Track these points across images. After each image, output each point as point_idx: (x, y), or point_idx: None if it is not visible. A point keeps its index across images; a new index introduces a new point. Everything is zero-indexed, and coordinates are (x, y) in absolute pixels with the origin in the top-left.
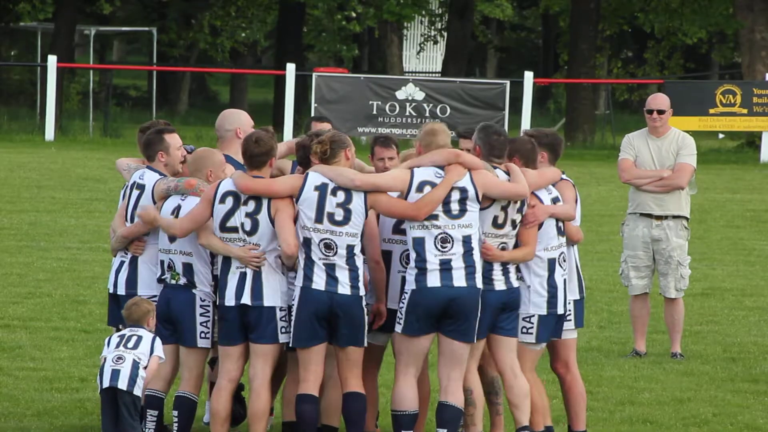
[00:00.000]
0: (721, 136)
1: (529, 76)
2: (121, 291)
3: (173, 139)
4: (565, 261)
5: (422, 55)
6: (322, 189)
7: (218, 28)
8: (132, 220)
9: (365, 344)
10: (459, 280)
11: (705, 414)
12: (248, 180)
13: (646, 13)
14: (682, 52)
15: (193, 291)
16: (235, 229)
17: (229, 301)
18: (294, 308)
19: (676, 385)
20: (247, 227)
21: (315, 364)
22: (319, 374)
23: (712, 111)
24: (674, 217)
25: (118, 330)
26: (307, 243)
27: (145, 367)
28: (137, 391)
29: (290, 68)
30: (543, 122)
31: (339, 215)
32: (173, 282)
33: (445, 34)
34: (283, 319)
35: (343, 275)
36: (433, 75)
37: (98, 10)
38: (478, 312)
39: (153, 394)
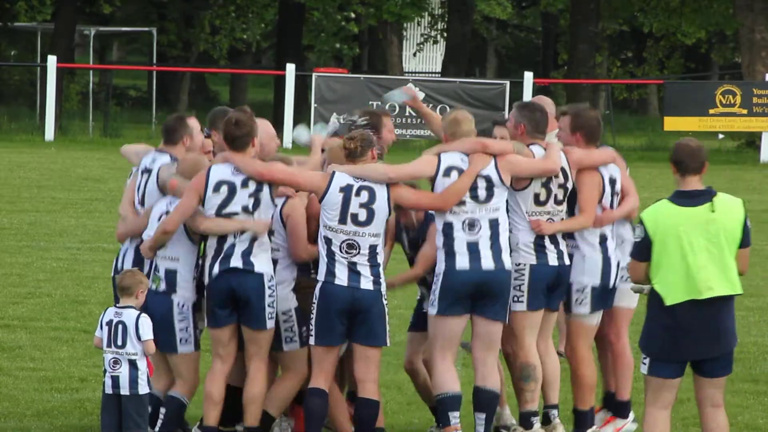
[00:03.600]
0: (721, 136)
1: (528, 76)
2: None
3: (195, 123)
4: (613, 235)
5: (422, 55)
6: (347, 190)
7: (218, 27)
8: (143, 205)
9: (387, 343)
10: (487, 262)
11: None
12: (269, 166)
13: (645, 13)
14: (681, 52)
15: (172, 297)
16: (234, 214)
17: (215, 270)
18: (315, 304)
19: None
20: (250, 208)
21: (329, 362)
22: (331, 372)
23: (712, 111)
24: None
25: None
26: (328, 241)
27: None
28: (141, 390)
29: (290, 68)
30: None
31: (362, 216)
32: (154, 287)
33: (445, 34)
34: (271, 305)
35: (365, 271)
36: (433, 75)
37: (98, 11)
38: (509, 292)
39: (172, 395)
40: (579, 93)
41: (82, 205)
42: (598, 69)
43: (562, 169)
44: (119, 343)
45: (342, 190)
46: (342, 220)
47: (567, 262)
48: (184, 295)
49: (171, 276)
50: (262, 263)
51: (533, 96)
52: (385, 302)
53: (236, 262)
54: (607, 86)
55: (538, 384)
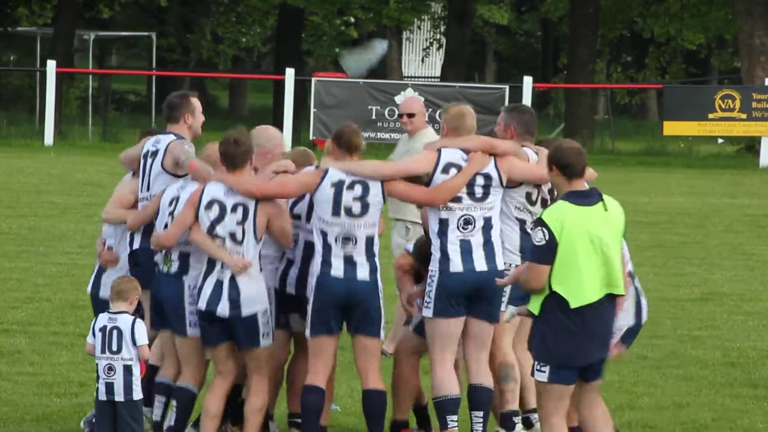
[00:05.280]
0: (720, 140)
1: (528, 81)
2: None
3: (197, 103)
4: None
5: (421, 59)
6: (338, 185)
7: (220, 35)
8: (149, 190)
9: (381, 336)
10: (480, 263)
11: (704, 419)
12: (260, 184)
13: (645, 18)
14: (682, 57)
15: (183, 278)
16: (221, 239)
17: (201, 305)
18: (311, 297)
19: (675, 390)
20: (239, 237)
21: (326, 356)
22: (328, 367)
23: (711, 116)
24: (396, 219)
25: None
26: (324, 234)
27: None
28: (136, 395)
29: (289, 73)
30: (542, 127)
31: (356, 208)
32: (165, 269)
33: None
34: (267, 323)
35: (362, 262)
36: (433, 80)
37: (97, 15)
38: (502, 293)
39: (162, 381)
40: (578, 98)
41: (81, 210)
42: (598, 74)
43: None
44: (114, 348)
45: (333, 185)
46: (335, 213)
47: None
48: (195, 277)
49: (184, 258)
50: (254, 303)
51: (532, 100)
52: (381, 294)
53: (223, 310)
54: (607, 91)
55: (517, 384)
